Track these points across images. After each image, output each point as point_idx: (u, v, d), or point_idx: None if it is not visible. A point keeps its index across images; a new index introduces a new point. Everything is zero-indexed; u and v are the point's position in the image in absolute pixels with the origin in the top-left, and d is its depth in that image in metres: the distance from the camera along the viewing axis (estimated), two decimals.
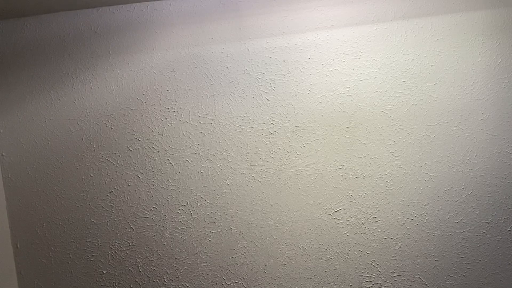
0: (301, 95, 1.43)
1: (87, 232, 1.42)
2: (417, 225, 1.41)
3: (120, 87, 1.44)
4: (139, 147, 1.43)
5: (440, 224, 1.41)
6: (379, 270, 1.41)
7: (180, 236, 1.42)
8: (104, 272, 1.41)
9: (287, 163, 1.43)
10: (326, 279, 1.41)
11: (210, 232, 1.42)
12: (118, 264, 1.41)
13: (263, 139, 1.43)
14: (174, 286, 1.41)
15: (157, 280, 1.42)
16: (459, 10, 1.44)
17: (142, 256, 1.42)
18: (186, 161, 1.43)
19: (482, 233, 1.41)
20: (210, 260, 1.41)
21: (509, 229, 1.41)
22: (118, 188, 1.42)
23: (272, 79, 1.44)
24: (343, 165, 1.42)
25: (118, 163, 1.43)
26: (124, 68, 1.44)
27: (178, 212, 1.43)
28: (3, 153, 1.43)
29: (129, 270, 1.42)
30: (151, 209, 1.42)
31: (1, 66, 1.44)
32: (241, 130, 1.43)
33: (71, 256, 1.41)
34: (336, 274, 1.41)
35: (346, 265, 1.41)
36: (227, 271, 1.42)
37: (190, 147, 1.43)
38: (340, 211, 1.42)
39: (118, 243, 1.42)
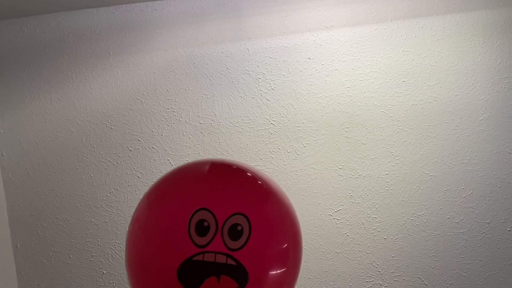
0: (301, 95, 1.43)
1: (87, 232, 1.42)
2: (417, 225, 1.41)
3: (120, 87, 1.44)
4: (139, 147, 1.43)
5: (440, 224, 1.41)
6: (379, 270, 1.41)
7: None
8: (104, 272, 1.41)
9: (287, 163, 1.42)
10: (326, 279, 1.41)
11: None
12: (118, 264, 1.41)
13: (263, 139, 1.43)
14: None
15: None
16: (459, 10, 1.44)
17: None
18: (186, 161, 1.43)
19: (482, 233, 1.41)
20: None
21: (509, 229, 1.41)
22: (118, 188, 1.42)
23: (272, 79, 1.44)
24: (343, 165, 1.42)
25: (118, 163, 1.43)
26: (124, 68, 1.44)
27: None
28: (3, 153, 1.43)
29: None
30: None
31: (1, 66, 1.44)
32: (241, 130, 1.43)
33: (71, 256, 1.41)
34: (336, 274, 1.41)
35: (346, 265, 1.41)
36: None
37: (190, 147, 1.43)
38: (340, 211, 1.42)
39: (118, 243, 1.42)
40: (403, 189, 1.42)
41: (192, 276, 0.51)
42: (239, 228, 0.51)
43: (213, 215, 0.52)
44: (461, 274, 1.41)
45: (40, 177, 1.42)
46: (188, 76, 1.44)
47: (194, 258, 0.51)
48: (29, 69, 1.44)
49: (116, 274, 1.41)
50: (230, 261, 0.51)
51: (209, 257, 0.51)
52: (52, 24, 1.45)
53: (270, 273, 0.57)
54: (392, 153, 1.42)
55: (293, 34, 1.44)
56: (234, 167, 0.71)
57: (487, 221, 1.41)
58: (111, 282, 1.41)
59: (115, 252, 1.41)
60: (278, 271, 0.58)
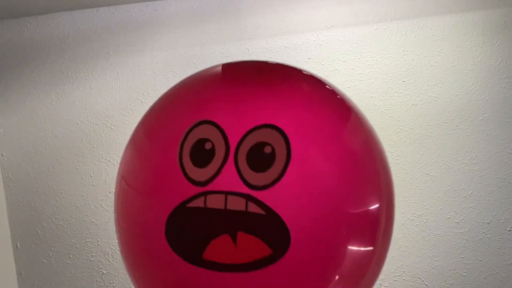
0: None
1: (87, 232, 1.41)
2: (417, 225, 1.41)
3: (120, 87, 1.44)
4: None
5: (440, 224, 1.41)
6: None
7: None
8: (104, 272, 1.41)
9: None
10: None
11: None
12: (118, 264, 1.41)
13: None
14: None
15: None
16: (459, 10, 1.44)
17: None
18: None
19: (482, 233, 1.41)
20: None
21: (509, 229, 1.41)
22: None
23: None
24: None
25: (118, 163, 1.42)
26: (124, 68, 1.44)
27: None
28: (3, 153, 1.43)
29: None
30: None
31: (1, 66, 1.44)
32: None
33: (71, 256, 1.41)
34: None
35: None
36: None
37: None
38: None
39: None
40: (403, 189, 1.42)
41: (187, 236, 0.29)
42: (267, 150, 0.28)
43: (221, 130, 0.29)
44: (461, 274, 1.41)
45: (40, 177, 1.42)
46: None
47: (189, 205, 0.30)
48: (29, 69, 1.44)
49: (116, 274, 1.41)
50: (253, 208, 0.29)
51: (214, 202, 0.29)
52: (52, 24, 1.45)
53: (336, 242, 0.30)
54: (392, 153, 1.42)
55: (293, 34, 1.44)
56: (266, 65, 0.41)
57: (487, 221, 1.41)
58: (111, 282, 1.41)
59: (115, 252, 1.41)
60: (358, 249, 0.32)
